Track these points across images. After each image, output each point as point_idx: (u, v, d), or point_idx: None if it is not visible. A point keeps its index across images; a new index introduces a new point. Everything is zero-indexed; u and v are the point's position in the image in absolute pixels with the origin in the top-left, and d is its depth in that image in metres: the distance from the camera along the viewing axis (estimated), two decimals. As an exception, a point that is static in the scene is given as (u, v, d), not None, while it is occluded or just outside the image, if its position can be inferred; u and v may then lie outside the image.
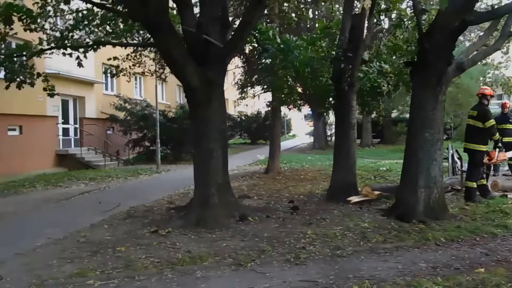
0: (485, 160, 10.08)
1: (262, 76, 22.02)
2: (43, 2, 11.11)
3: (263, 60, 18.37)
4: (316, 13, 21.40)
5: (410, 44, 11.83)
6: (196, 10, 10.66)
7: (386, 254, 6.57)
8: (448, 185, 11.04)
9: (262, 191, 12.54)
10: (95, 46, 10.90)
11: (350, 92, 10.42)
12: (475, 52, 9.60)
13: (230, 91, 22.92)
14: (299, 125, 62.07)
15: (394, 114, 35.85)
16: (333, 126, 43.84)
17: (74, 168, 19.15)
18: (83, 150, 20.72)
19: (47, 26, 11.53)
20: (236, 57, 18.66)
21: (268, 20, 15.68)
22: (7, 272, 6.11)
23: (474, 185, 9.97)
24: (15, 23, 10.40)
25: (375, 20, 11.13)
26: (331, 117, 41.75)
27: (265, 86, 22.18)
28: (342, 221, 8.53)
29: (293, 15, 16.77)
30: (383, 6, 11.06)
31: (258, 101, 31.46)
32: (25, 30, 10.81)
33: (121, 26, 12.28)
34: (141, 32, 13.21)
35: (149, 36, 13.35)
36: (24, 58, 10.72)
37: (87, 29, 11.72)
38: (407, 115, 33.80)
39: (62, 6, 11.55)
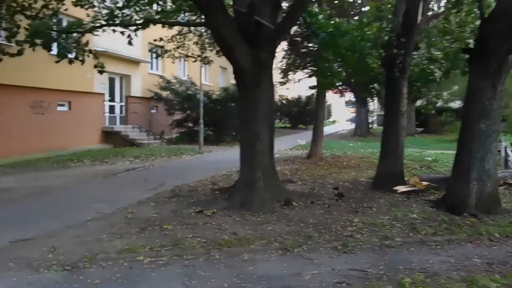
0: None
1: (307, 61, 21.79)
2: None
3: (310, 44, 18.20)
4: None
5: (463, 29, 11.34)
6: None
7: (437, 247, 6.39)
8: (500, 179, 10.61)
9: (306, 176, 12.44)
10: (145, 24, 10.94)
11: (401, 79, 10.12)
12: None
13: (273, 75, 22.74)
14: (339, 111, 61.38)
15: (439, 103, 34.81)
16: (375, 113, 43.65)
17: (119, 145, 19.57)
18: (128, 128, 21.12)
19: (96, 3, 11.68)
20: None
21: (316, 4, 15.37)
22: (60, 243, 6.32)
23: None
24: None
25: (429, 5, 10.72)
26: (374, 104, 41.14)
27: (309, 71, 21.95)
28: (389, 211, 8.35)
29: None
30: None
31: (299, 85, 31.11)
32: (75, 5, 10.98)
33: (169, 6, 12.31)
34: (187, 13, 13.20)
35: (195, 18, 13.42)
36: (77, 34, 10.88)
37: (136, 7, 11.80)
38: (452, 104, 33.23)
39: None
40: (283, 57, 24.29)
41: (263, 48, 8.57)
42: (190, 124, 23.69)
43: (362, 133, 33.01)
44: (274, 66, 9.33)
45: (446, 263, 5.72)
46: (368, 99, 33.05)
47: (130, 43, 11.49)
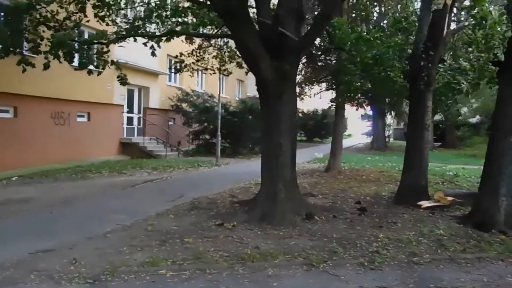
0: None
1: (326, 73, 21.65)
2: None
3: (328, 57, 18.06)
4: (383, 8, 20.69)
5: (489, 40, 11.13)
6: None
7: (468, 264, 6.17)
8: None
9: (326, 190, 12.25)
10: (169, 35, 10.94)
11: (426, 92, 9.93)
12: None
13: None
14: (354, 124, 60.98)
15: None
16: (391, 127, 43.23)
17: (136, 157, 19.58)
18: (145, 139, 21.13)
19: (118, 20, 11.79)
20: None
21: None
22: (80, 255, 6.22)
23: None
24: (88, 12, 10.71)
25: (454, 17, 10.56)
26: (391, 118, 40.81)
27: (329, 83, 21.77)
28: (415, 226, 8.14)
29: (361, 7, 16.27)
30: (466, 2, 10.45)
31: (315, 99, 30.95)
32: (101, 22, 11.03)
33: (190, 18, 12.34)
34: (208, 27, 13.19)
35: (215, 31, 13.41)
36: (100, 46, 10.92)
37: (158, 20, 11.85)
38: (471, 119, 32.75)
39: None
40: (300, 70, 24.17)
41: (287, 60, 8.49)
42: (207, 136, 23.66)
43: (379, 146, 32.67)
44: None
45: (478, 281, 5.52)
46: (386, 112, 32.73)
47: (153, 54, 11.51)
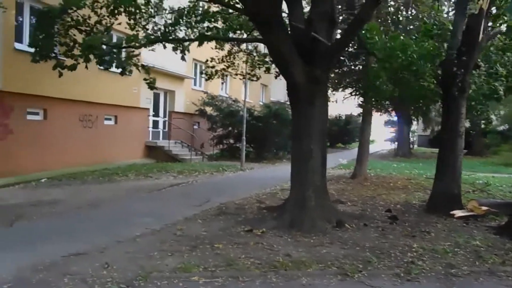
0: None
1: (351, 79, 21.44)
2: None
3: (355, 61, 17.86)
4: (413, 11, 20.37)
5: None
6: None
7: (509, 278, 5.96)
8: None
9: (354, 197, 12.06)
10: (200, 40, 10.93)
11: (460, 98, 9.70)
12: None
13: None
14: (377, 130, 60.25)
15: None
16: (416, 133, 42.55)
17: (162, 160, 19.67)
18: (170, 143, 21.20)
19: (148, 26, 11.87)
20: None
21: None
22: (111, 259, 6.19)
23: None
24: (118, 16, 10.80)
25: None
26: (416, 124, 40.22)
27: (355, 89, 21.58)
28: (449, 236, 7.92)
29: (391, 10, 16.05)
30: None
31: (338, 104, 30.67)
32: (131, 29, 11.11)
33: (220, 23, 12.32)
34: (237, 32, 13.14)
35: (245, 35, 13.35)
36: (130, 49, 10.96)
37: (188, 25, 11.87)
38: (499, 127, 32.01)
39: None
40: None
41: (318, 64, 8.38)
42: (231, 141, 23.64)
43: (404, 153, 32.24)
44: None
45: (521, 296, 5.30)
46: (413, 118, 32.25)
47: (183, 58, 11.53)
